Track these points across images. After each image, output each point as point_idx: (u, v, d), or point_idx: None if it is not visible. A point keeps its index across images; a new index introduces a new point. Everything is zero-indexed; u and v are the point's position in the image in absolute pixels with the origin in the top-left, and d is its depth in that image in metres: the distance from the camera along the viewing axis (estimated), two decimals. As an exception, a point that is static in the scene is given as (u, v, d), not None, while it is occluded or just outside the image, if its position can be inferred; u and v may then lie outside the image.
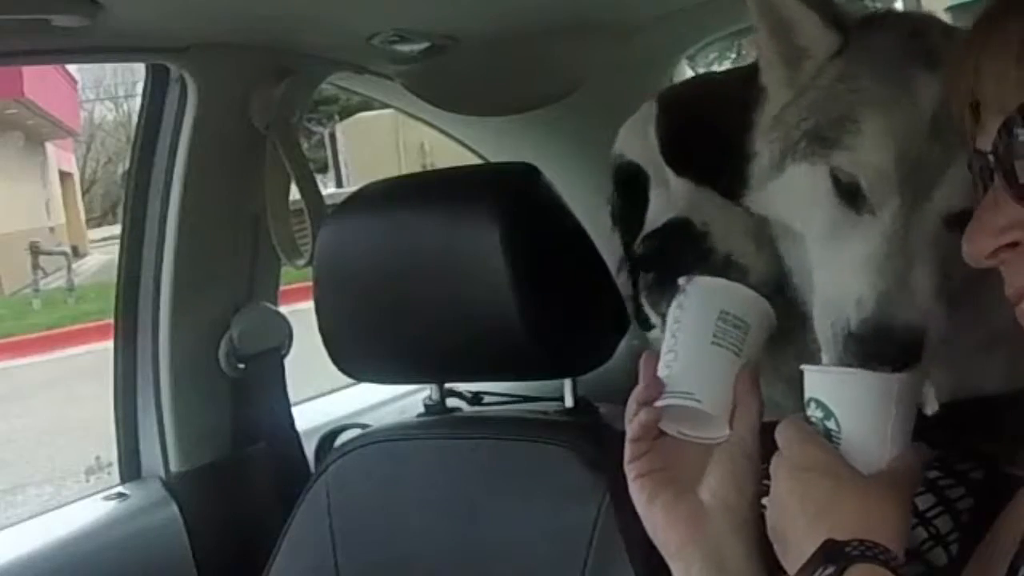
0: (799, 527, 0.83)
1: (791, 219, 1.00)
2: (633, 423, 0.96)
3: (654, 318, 1.19)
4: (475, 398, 1.58)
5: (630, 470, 0.97)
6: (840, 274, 0.91)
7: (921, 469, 0.87)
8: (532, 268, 1.30)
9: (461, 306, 1.34)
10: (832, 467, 0.84)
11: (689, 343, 0.96)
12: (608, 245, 1.36)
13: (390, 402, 1.97)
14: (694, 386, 0.94)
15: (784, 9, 0.97)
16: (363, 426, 1.66)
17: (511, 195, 1.34)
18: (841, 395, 0.87)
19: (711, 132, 1.13)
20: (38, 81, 13.25)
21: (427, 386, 1.54)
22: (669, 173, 1.20)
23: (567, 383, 1.43)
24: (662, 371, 0.96)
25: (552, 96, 1.87)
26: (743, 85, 1.07)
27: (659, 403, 0.95)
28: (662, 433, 0.97)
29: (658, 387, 0.95)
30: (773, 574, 0.89)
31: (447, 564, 1.38)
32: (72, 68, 15.69)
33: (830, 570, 0.78)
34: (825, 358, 0.93)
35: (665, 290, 1.10)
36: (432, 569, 1.39)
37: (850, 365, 0.89)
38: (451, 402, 1.54)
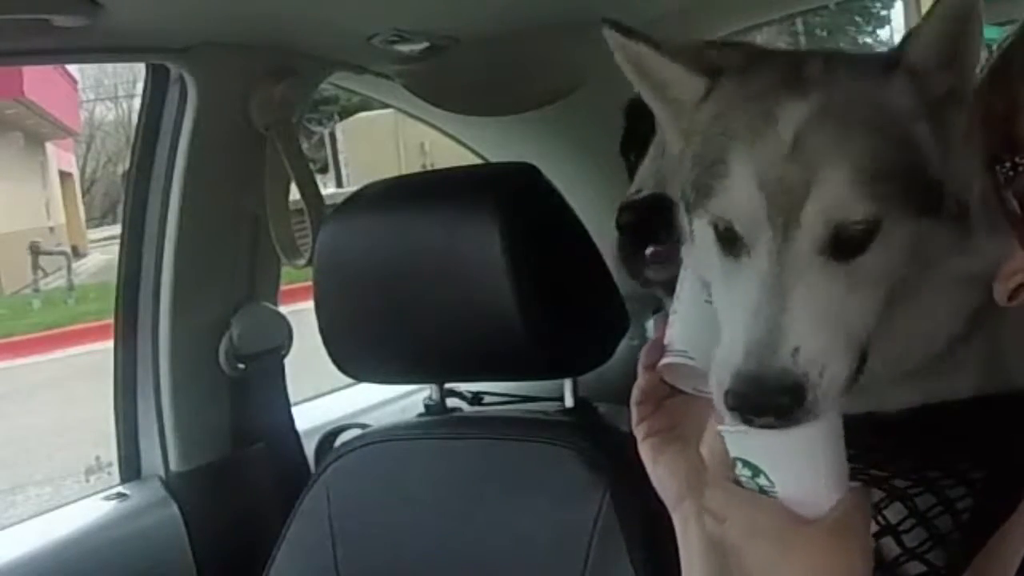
0: None
1: (705, 273, 0.98)
2: (635, 387, 0.98)
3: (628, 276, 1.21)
4: (475, 398, 1.58)
5: (637, 432, 0.99)
6: (727, 329, 0.88)
7: (869, 506, 0.86)
8: (532, 268, 1.30)
9: (461, 306, 1.34)
10: (776, 531, 0.84)
11: (687, 303, 0.98)
12: (608, 245, 1.36)
13: (390, 402, 1.97)
14: (689, 343, 0.95)
15: (650, 65, 0.99)
16: (363, 426, 1.66)
17: (511, 195, 1.34)
18: (764, 452, 0.86)
19: None
20: (38, 81, 13.24)
21: (427, 386, 1.54)
22: None
23: (567, 383, 1.43)
24: (667, 333, 0.98)
25: (552, 96, 1.87)
26: None
27: (660, 363, 0.96)
28: (675, 392, 0.98)
29: (659, 350, 0.96)
30: None
31: (447, 564, 1.38)
32: (72, 68, 15.68)
33: None
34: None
35: (638, 259, 1.16)
36: (432, 569, 1.39)
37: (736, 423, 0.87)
38: (451, 402, 1.54)
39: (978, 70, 0.87)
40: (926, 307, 0.94)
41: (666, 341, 0.97)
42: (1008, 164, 0.77)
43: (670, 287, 1.03)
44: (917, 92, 0.89)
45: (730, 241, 0.89)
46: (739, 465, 0.87)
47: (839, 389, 0.85)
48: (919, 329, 0.96)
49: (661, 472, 0.97)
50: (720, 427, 0.87)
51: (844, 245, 0.86)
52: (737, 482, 0.87)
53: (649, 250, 1.11)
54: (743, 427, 0.86)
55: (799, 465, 0.85)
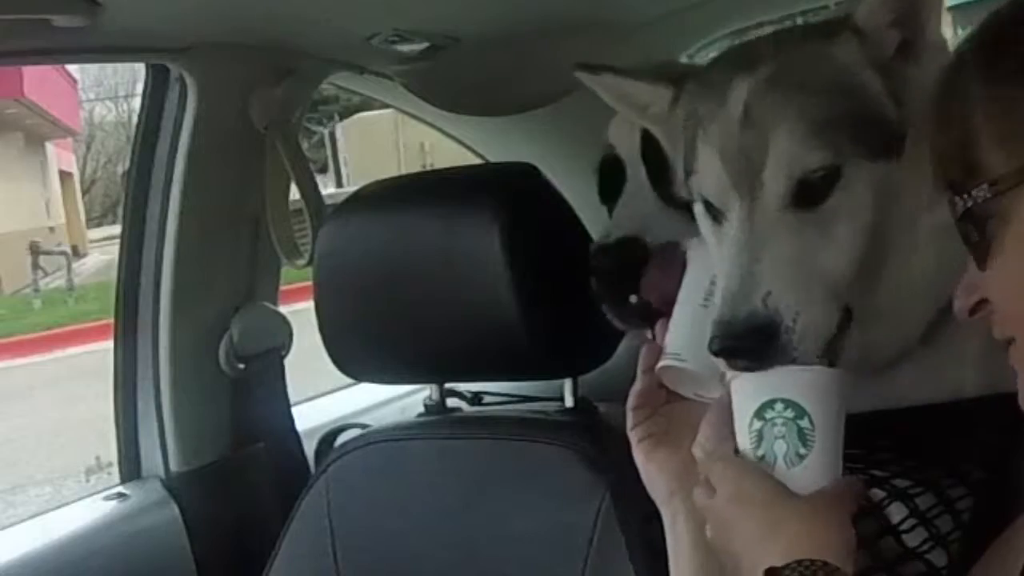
0: (745, 552, 0.85)
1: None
2: (632, 391, 1.01)
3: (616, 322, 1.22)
4: (475, 398, 1.58)
5: (632, 436, 1.01)
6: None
7: (858, 495, 0.88)
8: (532, 268, 1.30)
9: (461, 306, 1.34)
10: (770, 498, 0.85)
11: (683, 307, 1.00)
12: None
13: (390, 402, 1.97)
14: (682, 347, 0.97)
15: (623, 89, 1.10)
16: (363, 426, 1.66)
17: (511, 195, 1.34)
18: (812, 391, 0.87)
19: None
20: (38, 81, 13.23)
21: (427, 386, 1.54)
22: (643, 173, 1.22)
23: (567, 383, 1.43)
24: (665, 338, 1.00)
25: (552, 96, 1.86)
26: None
27: (657, 367, 0.98)
28: (671, 399, 1.00)
29: (657, 353, 0.99)
30: None
31: (446, 564, 1.38)
32: (72, 68, 15.68)
33: None
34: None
35: (615, 303, 1.19)
36: (431, 569, 1.39)
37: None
38: (451, 402, 1.54)
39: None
40: (918, 260, 0.97)
41: (663, 344, 0.99)
42: (965, 195, 0.76)
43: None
44: (863, 48, 0.95)
45: (713, 212, 0.97)
46: (779, 406, 0.87)
47: (817, 333, 0.89)
48: (913, 286, 0.97)
49: (653, 469, 1.00)
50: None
51: (808, 194, 0.91)
52: (759, 436, 0.87)
53: (633, 299, 1.15)
54: (786, 368, 0.87)
55: (836, 409, 0.87)
